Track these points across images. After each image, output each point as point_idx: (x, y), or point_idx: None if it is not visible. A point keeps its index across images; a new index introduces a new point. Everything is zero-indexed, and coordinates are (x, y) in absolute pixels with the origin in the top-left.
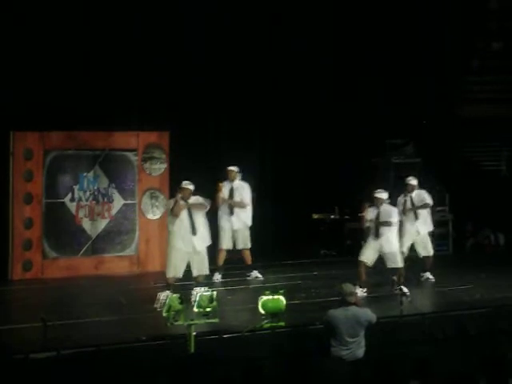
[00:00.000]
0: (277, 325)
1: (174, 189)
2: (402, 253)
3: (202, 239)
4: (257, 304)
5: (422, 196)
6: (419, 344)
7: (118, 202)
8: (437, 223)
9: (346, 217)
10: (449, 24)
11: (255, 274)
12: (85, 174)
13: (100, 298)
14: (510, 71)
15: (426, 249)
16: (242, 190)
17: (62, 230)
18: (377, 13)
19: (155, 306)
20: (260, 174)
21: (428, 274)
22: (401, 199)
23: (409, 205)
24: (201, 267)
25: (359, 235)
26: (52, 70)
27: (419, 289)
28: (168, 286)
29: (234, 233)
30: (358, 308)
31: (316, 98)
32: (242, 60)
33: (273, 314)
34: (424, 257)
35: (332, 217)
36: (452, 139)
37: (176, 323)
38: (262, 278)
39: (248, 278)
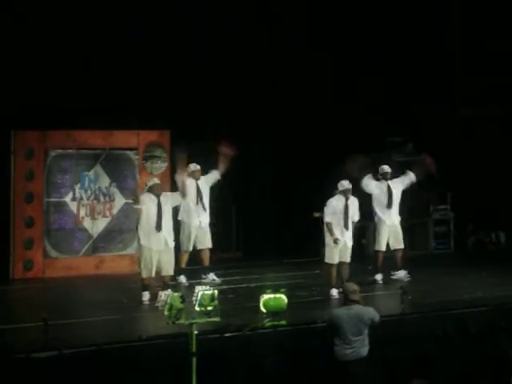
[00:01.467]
0: (278, 323)
1: (174, 187)
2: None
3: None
4: (258, 302)
5: (398, 182)
6: (420, 342)
7: (119, 200)
8: (438, 221)
9: None
10: (449, 23)
11: (212, 276)
12: (86, 173)
13: (101, 297)
14: (510, 71)
15: (398, 240)
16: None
17: (63, 229)
18: (377, 11)
19: (156, 304)
20: (260, 173)
21: (401, 273)
22: (380, 185)
23: (385, 192)
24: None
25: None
26: (53, 69)
27: (421, 287)
28: (166, 285)
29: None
30: (361, 306)
31: (316, 97)
32: (242, 59)
33: (274, 313)
34: (396, 250)
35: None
36: (452, 137)
37: (177, 322)
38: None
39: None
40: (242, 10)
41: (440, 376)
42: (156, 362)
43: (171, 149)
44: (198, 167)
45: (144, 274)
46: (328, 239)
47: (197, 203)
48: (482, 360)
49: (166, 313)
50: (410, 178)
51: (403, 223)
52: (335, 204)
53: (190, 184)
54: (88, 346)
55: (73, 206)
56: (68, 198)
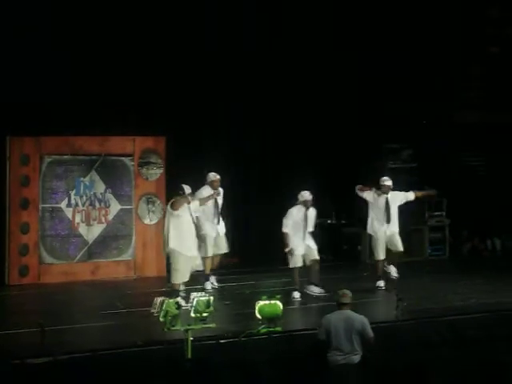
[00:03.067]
0: (274, 330)
1: (170, 194)
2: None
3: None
4: (254, 309)
5: (397, 196)
6: (415, 349)
7: (115, 207)
8: (433, 228)
9: (343, 222)
10: (447, 30)
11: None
12: (81, 179)
13: (97, 303)
14: (508, 77)
15: (397, 245)
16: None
17: (58, 235)
18: (374, 19)
19: (152, 311)
20: (257, 180)
21: (392, 268)
22: (378, 198)
23: (383, 205)
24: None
25: (356, 240)
26: (48, 75)
27: (416, 293)
28: (175, 291)
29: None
30: (352, 312)
31: (312, 103)
32: (239, 65)
33: (270, 319)
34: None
35: (329, 222)
36: (448, 144)
37: (173, 328)
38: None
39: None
40: (238, 16)
41: (435, 383)
42: (152, 368)
43: (167, 155)
44: (218, 177)
45: (179, 280)
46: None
47: (214, 214)
48: (476, 367)
49: (161, 319)
50: (408, 197)
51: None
52: (295, 214)
53: (299, 212)
54: (83, 351)
55: (68, 212)
56: (63, 204)
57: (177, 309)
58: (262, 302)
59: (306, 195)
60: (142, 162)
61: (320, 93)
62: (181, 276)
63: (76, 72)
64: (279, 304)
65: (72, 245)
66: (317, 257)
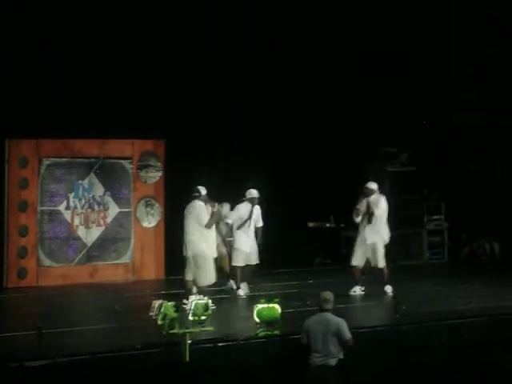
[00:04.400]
0: (272, 333)
1: (169, 197)
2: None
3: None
4: (252, 312)
5: (378, 201)
6: (414, 352)
7: (113, 209)
8: (432, 232)
9: (342, 225)
10: (446, 32)
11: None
12: (80, 181)
13: (95, 305)
14: (506, 79)
15: (376, 259)
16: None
17: (57, 238)
18: (372, 22)
19: (150, 313)
20: (255, 183)
21: (358, 288)
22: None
23: (364, 209)
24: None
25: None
26: (47, 78)
27: (415, 296)
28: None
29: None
30: (331, 315)
31: (311, 107)
32: (238, 68)
33: (268, 323)
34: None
35: (327, 225)
36: (447, 148)
37: (171, 331)
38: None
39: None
40: (236, 18)
41: None
42: (150, 371)
43: (166, 158)
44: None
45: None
46: (237, 244)
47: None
48: (475, 371)
49: (159, 322)
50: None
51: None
52: (243, 210)
53: (246, 208)
54: (82, 354)
55: (67, 215)
56: (62, 207)
57: (175, 312)
58: (260, 306)
59: (253, 192)
60: (140, 165)
61: (318, 96)
62: (206, 278)
63: (75, 75)
64: (277, 307)
65: (70, 247)
66: (255, 262)
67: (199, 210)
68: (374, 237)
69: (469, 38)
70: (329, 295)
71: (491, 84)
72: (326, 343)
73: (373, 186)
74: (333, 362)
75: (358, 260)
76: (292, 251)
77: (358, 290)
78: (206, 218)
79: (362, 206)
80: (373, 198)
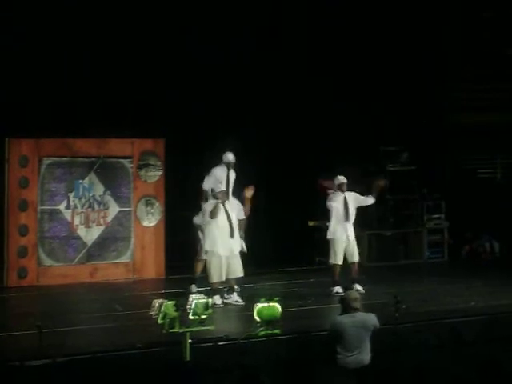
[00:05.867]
0: (272, 332)
1: (169, 196)
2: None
3: (239, 242)
4: (252, 311)
5: (351, 196)
6: (415, 352)
7: (114, 209)
8: (432, 231)
9: None
10: (444, 32)
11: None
12: (80, 181)
13: (95, 305)
14: (505, 79)
15: (354, 255)
16: None
17: (57, 238)
18: (371, 20)
19: (151, 313)
20: (255, 181)
21: (357, 286)
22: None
23: (341, 205)
24: (236, 270)
25: None
26: (47, 77)
27: (415, 296)
28: (213, 290)
29: None
30: (364, 313)
31: (311, 106)
32: (237, 67)
33: (268, 322)
34: (351, 263)
35: (328, 224)
36: (447, 146)
37: (171, 330)
38: None
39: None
40: (234, 17)
41: None
42: (150, 370)
43: (166, 157)
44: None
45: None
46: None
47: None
48: (476, 370)
49: (160, 321)
50: (367, 201)
51: (391, 234)
52: (219, 173)
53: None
54: (82, 354)
55: (67, 214)
56: (62, 206)
57: (175, 311)
58: (260, 305)
59: (229, 157)
60: (140, 164)
61: (318, 94)
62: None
63: (75, 74)
64: (278, 306)
65: (71, 247)
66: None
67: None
68: (353, 233)
69: (465, 38)
70: (356, 294)
71: (492, 83)
72: (363, 342)
73: (344, 180)
74: (367, 359)
75: (341, 258)
76: (292, 250)
77: (340, 290)
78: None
79: (337, 202)
80: (346, 193)
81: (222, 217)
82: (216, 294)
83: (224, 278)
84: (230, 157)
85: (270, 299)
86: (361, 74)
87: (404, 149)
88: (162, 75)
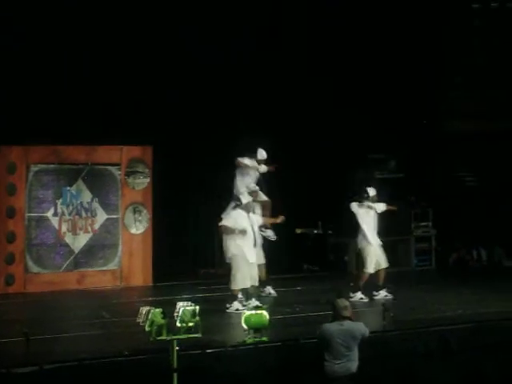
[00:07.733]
0: (260, 340)
1: (157, 203)
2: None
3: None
4: (240, 319)
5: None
6: (402, 359)
7: (101, 216)
8: (420, 238)
9: (329, 232)
10: (433, 40)
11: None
12: (68, 188)
13: (83, 312)
14: (493, 87)
15: (383, 260)
16: None
17: (44, 245)
18: (361, 29)
19: (138, 320)
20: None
21: (383, 293)
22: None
23: (372, 215)
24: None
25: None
26: (35, 84)
27: (402, 303)
28: (234, 297)
29: None
30: (352, 322)
31: (300, 114)
32: (226, 74)
33: (256, 329)
34: (380, 270)
35: (315, 232)
36: (435, 155)
37: (158, 338)
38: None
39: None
40: (224, 24)
41: None
42: (137, 377)
43: (154, 164)
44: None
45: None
46: None
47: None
48: (463, 377)
49: (147, 329)
50: (380, 208)
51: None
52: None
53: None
54: (69, 361)
55: (54, 221)
56: (50, 213)
57: (162, 318)
58: (248, 312)
59: (263, 153)
60: (128, 172)
61: (306, 103)
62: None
63: (63, 81)
64: (265, 314)
65: (58, 254)
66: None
67: None
68: (379, 240)
69: (455, 46)
70: (346, 302)
71: (479, 92)
72: (351, 350)
73: (374, 192)
74: (354, 367)
75: (370, 268)
76: (279, 257)
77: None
78: None
79: (365, 210)
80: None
81: (246, 224)
82: (235, 300)
83: (249, 285)
84: (263, 153)
85: (257, 307)
86: (348, 82)
87: (392, 157)
88: (149, 83)
